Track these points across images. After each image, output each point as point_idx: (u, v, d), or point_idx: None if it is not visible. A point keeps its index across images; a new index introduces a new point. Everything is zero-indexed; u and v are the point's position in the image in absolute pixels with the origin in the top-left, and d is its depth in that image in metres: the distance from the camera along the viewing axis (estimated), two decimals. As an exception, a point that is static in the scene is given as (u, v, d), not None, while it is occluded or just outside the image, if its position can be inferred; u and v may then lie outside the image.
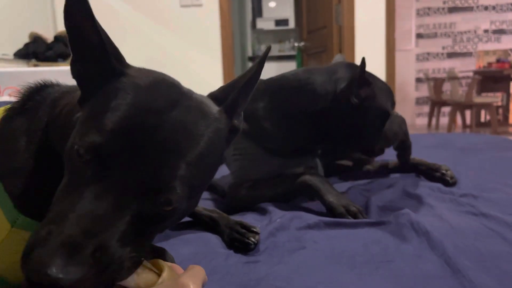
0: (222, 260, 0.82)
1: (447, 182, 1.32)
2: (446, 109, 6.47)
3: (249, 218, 1.05)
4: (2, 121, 0.66)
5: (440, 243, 0.83)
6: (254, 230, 0.91)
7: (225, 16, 4.13)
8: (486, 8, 6.96)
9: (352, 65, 1.22)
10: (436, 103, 6.27)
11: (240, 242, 0.88)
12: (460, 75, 6.32)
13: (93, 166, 0.47)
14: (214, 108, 0.58)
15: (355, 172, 1.56)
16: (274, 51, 8.00)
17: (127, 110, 0.49)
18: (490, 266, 0.75)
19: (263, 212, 1.11)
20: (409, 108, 6.87)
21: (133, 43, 4.05)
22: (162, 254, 0.71)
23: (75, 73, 0.56)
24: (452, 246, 0.81)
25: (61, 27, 4.04)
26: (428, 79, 6.43)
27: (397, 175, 1.49)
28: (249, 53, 7.97)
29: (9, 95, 2.49)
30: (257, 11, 7.89)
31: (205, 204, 1.22)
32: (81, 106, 0.55)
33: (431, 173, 1.38)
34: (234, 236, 0.90)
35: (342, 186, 1.38)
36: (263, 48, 8.02)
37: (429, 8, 7.05)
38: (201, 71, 4.16)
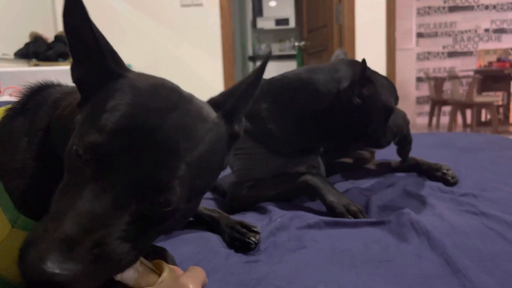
0: (223, 259, 0.82)
1: (448, 181, 1.32)
2: (446, 109, 6.47)
3: (249, 218, 1.05)
4: (3, 121, 0.66)
5: (440, 243, 0.83)
6: (255, 229, 0.91)
7: (226, 16, 4.13)
8: (486, 7, 6.95)
9: (353, 62, 1.23)
10: (436, 102, 6.27)
11: (241, 242, 0.88)
12: (461, 74, 6.32)
13: (92, 166, 0.47)
14: (213, 113, 0.58)
15: (356, 171, 1.56)
16: (275, 51, 8.00)
17: (126, 110, 0.49)
18: (490, 266, 0.75)
19: (263, 211, 1.11)
20: (409, 107, 6.86)
21: (134, 43, 4.05)
22: (162, 254, 0.71)
23: (75, 77, 0.57)
24: (452, 246, 0.81)
25: (61, 27, 4.01)
26: (428, 78, 6.42)
27: (397, 174, 1.49)
28: (250, 52, 7.97)
29: (10, 94, 2.49)
30: (258, 11, 7.88)
31: (206, 203, 1.22)
32: (80, 109, 0.55)
33: (432, 172, 1.38)
34: (235, 236, 0.90)
35: (343, 185, 1.38)
36: (263, 47, 8.03)
37: (429, 7, 7.05)
38: (201, 70, 4.17)
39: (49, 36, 3.76)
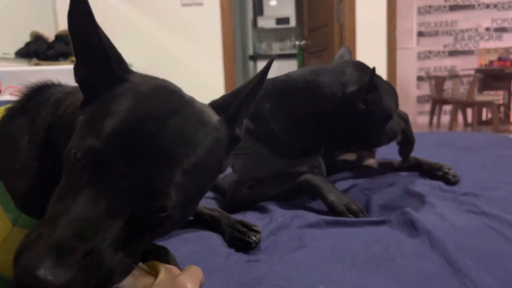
0: (223, 259, 0.82)
1: (450, 181, 1.31)
2: (447, 108, 6.46)
3: (250, 217, 1.05)
4: (3, 121, 0.66)
5: (441, 242, 0.83)
6: (255, 228, 0.91)
7: (226, 15, 4.13)
8: (487, 6, 6.94)
9: (359, 65, 1.22)
10: (437, 101, 6.26)
11: (241, 241, 0.88)
12: (462, 73, 6.31)
13: (89, 170, 0.47)
14: (215, 117, 0.58)
15: (356, 170, 1.56)
16: (275, 50, 7.99)
17: (126, 116, 0.49)
18: (491, 265, 0.75)
19: (264, 211, 1.11)
20: (410, 106, 6.86)
21: (134, 42, 4.05)
22: (164, 254, 0.71)
23: (78, 77, 0.57)
24: (453, 245, 0.81)
25: (62, 26, 4.04)
26: (429, 77, 6.42)
27: (398, 174, 1.48)
28: (250, 51, 7.96)
29: (11, 94, 2.49)
30: (258, 10, 7.87)
31: (206, 203, 1.22)
32: (82, 110, 0.55)
33: (433, 172, 1.38)
34: (235, 235, 0.90)
35: (344, 184, 1.38)
36: (264, 46, 8.02)
37: (430, 6, 7.04)
38: (202, 69, 4.17)
39: (50, 36, 3.76)
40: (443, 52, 7.16)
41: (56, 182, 0.51)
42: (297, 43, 7.20)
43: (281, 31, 7.94)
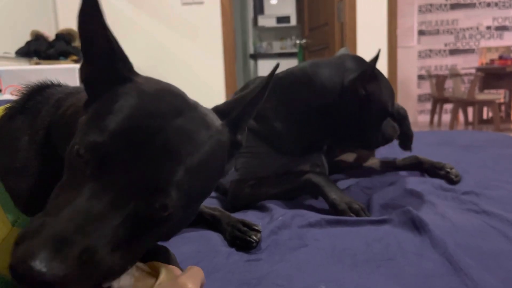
0: (224, 258, 0.82)
1: (452, 180, 1.31)
2: (448, 106, 6.46)
3: (250, 216, 1.05)
4: (2, 120, 0.66)
5: (442, 241, 0.82)
6: (256, 228, 0.91)
7: (227, 14, 4.13)
8: (488, 4, 6.93)
9: (357, 58, 1.22)
10: (438, 100, 6.25)
11: (242, 240, 0.88)
12: (463, 72, 6.30)
13: (92, 166, 0.47)
14: (218, 121, 0.58)
15: (358, 169, 1.55)
16: (276, 49, 7.98)
17: (130, 113, 0.50)
18: (492, 265, 0.74)
19: (264, 210, 1.11)
20: (411, 105, 6.85)
21: (135, 41, 4.05)
22: (165, 254, 0.71)
23: (83, 77, 0.57)
24: (454, 244, 0.81)
25: (62, 25, 4.04)
26: (430, 76, 6.41)
27: (399, 173, 1.48)
28: (251, 50, 7.96)
29: (11, 93, 2.49)
30: (259, 8, 7.86)
31: (207, 202, 1.22)
32: (85, 110, 0.55)
33: (435, 171, 1.38)
34: (236, 234, 0.90)
35: (345, 183, 1.38)
36: (264, 45, 8.01)
37: (431, 5, 7.03)
38: (202, 68, 4.17)
39: (50, 35, 3.76)
40: (444, 50, 7.15)
41: (56, 183, 0.51)
42: (297, 42, 7.18)
43: (281, 30, 7.94)
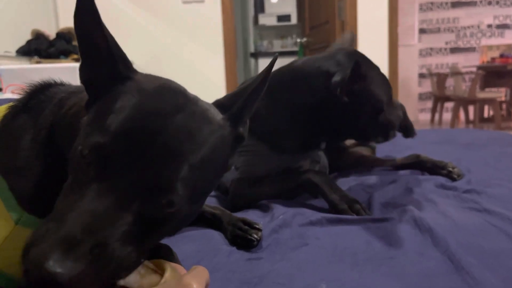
0: (225, 257, 0.82)
1: (454, 180, 1.31)
2: (449, 105, 6.45)
3: (251, 215, 1.05)
4: (5, 119, 0.66)
5: (443, 240, 0.82)
6: (257, 226, 0.91)
7: (227, 12, 4.12)
8: (489, 2, 6.92)
9: (353, 54, 1.20)
10: (439, 98, 6.25)
11: (243, 239, 0.88)
12: (464, 70, 6.29)
13: (96, 167, 0.47)
14: (219, 115, 0.58)
15: (358, 168, 1.55)
16: (276, 47, 7.98)
17: (132, 112, 0.50)
18: (494, 263, 0.74)
19: (265, 208, 1.10)
20: (412, 103, 6.84)
21: (135, 40, 4.05)
22: (167, 252, 0.71)
23: (83, 77, 0.57)
24: (455, 243, 0.81)
25: (63, 24, 4.04)
26: (431, 74, 6.40)
27: (400, 171, 1.48)
28: (251, 49, 7.95)
29: (12, 92, 2.49)
30: (259, 7, 7.86)
31: (208, 200, 1.22)
32: (87, 110, 0.55)
33: (437, 170, 1.38)
34: (237, 233, 0.90)
35: (345, 182, 1.37)
36: (265, 44, 8.01)
37: (432, 3, 7.02)
38: (203, 67, 4.16)
39: (51, 34, 3.76)
40: (445, 49, 7.14)
41: (58, 181, 0.51)
42: (298, 40, 7.18)
43: (282, 28, 7.93)
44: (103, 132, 0.48)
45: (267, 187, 1.20)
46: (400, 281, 0.70)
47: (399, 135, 1.44)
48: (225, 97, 0.63)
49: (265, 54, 7.74)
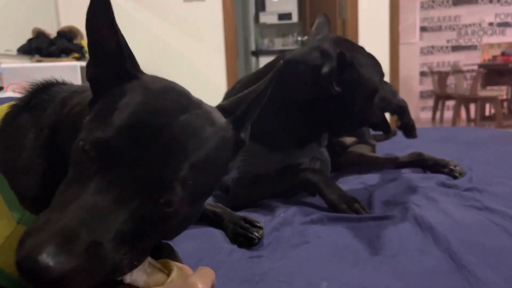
0: (226, 255, 0.82)
1: (456, 178, 1.30)
2: (450, 103, 6.44)
3: (252, 213, 1.05)
4: (6, 118, 0.66)
5: (444, 238, 0.82)
6: (258, 225, 0.91)
7: (228, 11, 4.12)
8: (490, 1, 6.90)
9: (338, 41, 1.19)
10: (440, 96, 6.24)
11: (244, 237, 0.88)
12: (465, 68, 6.28)
13: (97, 162, 0.47)
14: (222, 118, 0.58)
15: (359, 166, 1.55)
16: (277, 45, 7.96)
17: (136, 109, 0.50)
18: (495, 261, 0.74)
19: (266, 207, 1.10)
20: (413, 102, 6.83)
21: (136, 38, 4.04)
22: (168, 251, 0.71)
23: (90, 75, 0.57)
24: (456, 241, 0.81)
25: (64, 23, 4.04)
26: (432, 72, 6.39)
27: (401, 169, 1.48)
28: (252, 47, 7.94)
29: (13, 90, 2.49)
30: (260, 5, 7.84)
31: (209, 199, 1.22)
32: (91, 108, 0.55)
33: (438, 168, 1.37)
34: (238, 231, 0.90)
35: (346, 180, 1.37)
36: (266, 42, 8.00)
37: (433, 1, 7.00)
38: (204, 65, 4.16)
39: (52, 32, 3.76)
40: (446, 47, 7.13)
41: (60, 181, 0.51)
42: (299, 38, 7.18)
43: (283, 26, 7.91)
44: (106, 127, 0.48)
45: (266, 187, 1.20)
46: (401, 279, 0.70)
47: (400, 134, 1.44)
48: (228, 101, 0.63)
49: (266, 53, 7.72)
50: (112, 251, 0.44)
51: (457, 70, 5.70)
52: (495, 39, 6.87)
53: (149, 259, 0.53)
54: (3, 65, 2.92)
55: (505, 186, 1.18)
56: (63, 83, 0.73)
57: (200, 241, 0.88)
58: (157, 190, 0.47)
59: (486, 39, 6.94)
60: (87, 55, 3.39)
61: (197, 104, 0.56)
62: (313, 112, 1.18)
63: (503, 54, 6.13)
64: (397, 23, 4.08)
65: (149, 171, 0.47)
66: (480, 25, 6.99)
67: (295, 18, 7.71)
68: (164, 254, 0.66)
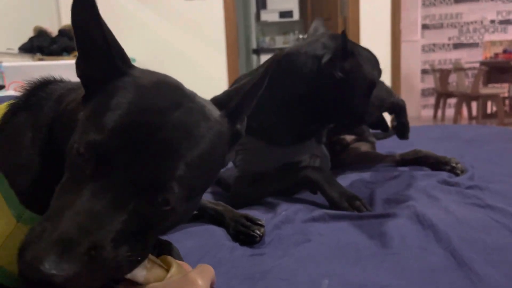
0: (228, 252, 0.82)
1: (457, 175, 1.30)
2: (452, 101, 6.43)
3: (254, 211, 1.05)
4: (5, 117, 0.66)
5: (446, 236, 0.82)
6: (259, 222, 0.91)
7: (229, 9, 4.12)
8: (492, -2, 6.88)
9: (335, 36, 1.20)
10: (442, 94, 6.23)
11: (245, 235, 0.88)
12: (466, 66, 6.26)
13: (92, 164, 0.47)
14: (216, 112, 0.57)
15: (360, 164, 1.55)
16: (279, 43, 7.95)
17: (128, 109, 0.49)
18: (496, 259, 0.74)
19: (268, 205, 1.11)
20: (414, 99, 6.82)
21: (137, 36, 4.05)
22: (168, 248, 0.71)
23: (79, 72, 0.56)
24: (458, 239, 0.81)
25: (65, 21, 4.04)
26: (434, 70, 6.38)
27: (403, 168, 1.47)
28: (254, 45, 7.93)
29: (15, 89, 2.50)
30: (261, 3, 7.83)
31: (209, 197, 1.22)
32: (83, 105, 0.55)
33: (440, 166, 1.37)
34: (239, 229, 0.90)
35: (346, 178, 1.37)
36: (267, 40, 7.99)
37: (435, -1, 6.99)
38: (205, 64, 4.16)
39: (53, 31, 3.77)
40: (448, 44, 7.11)
41: (60, 179, 0.51)
42: (300, 36, 7.16)
43: (284, 24, 7.90)
44: (99, 129, 0.48)
45: (267, 185, 1.20)
46: (402, 277, 0.71)
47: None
48: (223, 93, 0.63)
49: (267, 51, 7.71)
50: (112, 252, 0.45)
51: (458, 68, 5.69)
52: (497, 37, 6.85)
53: (149, 255, 0.53)
54: (4, 64, 2.92)
55: (507, 184, 1.18)
56: (61, 81, 0.73)
57: (202, 239, 0.89)
58: (154, 190, 0.47)
59: (488, 37, 6.92)
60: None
61: (191, 98, 0.55)
62: (313, 105, 1.17)
63: (504, 51, 6.11)
64: (399, 20, 4.07)
65: (144, 173, 0.47)
66: (481, 22, 6.97)
67: (296, 16, 7.69)
68: (164, 252, 0.66)
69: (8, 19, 3.46)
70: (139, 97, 0.51)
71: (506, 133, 2.02)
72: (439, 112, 6.42)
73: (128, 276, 0.49)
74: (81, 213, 0.44)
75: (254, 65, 7.78)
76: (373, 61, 1.21)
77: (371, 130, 1.69)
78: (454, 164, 1.34)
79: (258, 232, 0.88)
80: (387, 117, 1.39)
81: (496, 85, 6.17)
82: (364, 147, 1.61)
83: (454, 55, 7.07)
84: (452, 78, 6.22)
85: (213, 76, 4.15)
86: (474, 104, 5.78)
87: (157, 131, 0.48)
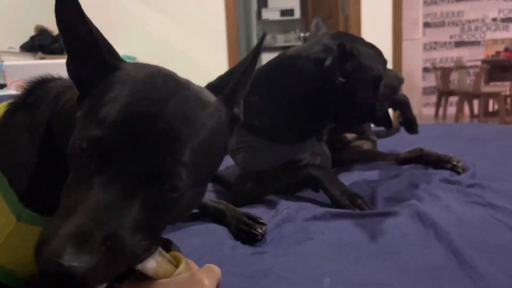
0: (229, 251, 0.83)
1: (459, 173, 1.30)
2: (453, 99, 6.41)
3: (255, 210, 1.05)
4: (5, 116, 0.66)
5: (447, 234, 0.82)
6: (261, 221, 0.91)
7: (230, 7, 4.11)
8: (494, -4, 6.86)
9: (337, 35, 1.20)
10: (443, 93, 6.21)
11: (247, 233, 0.88)
12: (468, 64, 6.25)
13: (96, 159, 0.47)
14: (212, 97, 0.58)
15: (362, 162, 1.55)
16: (280, 42, 7.95)
17: (125, 101, 0.50)
18: (497, 257, 0.74)
19: (269, 203, 1.11)
20: (416, 98, 6.81)
21: (138, 35, 4.05)
22: (167, 245, 0.72)
23: (71, 73, 0.57)
24: (459, 237, 0.81)
25: (66, 20, 4.04)
26: (435, 68, 6.36)
27: (404, 165, 1.47)
28: (255, 43, 7.92)
29: (16, 88, 2.50)
30: (262, 1, 7.82)
31: (210, 196, 1.22)
32: (79, 105, 0.55)
33: (441, 164, 1.37)
34: (241, 227, 0.90)
35: (348, 176, 1.37)
36: (268, 38, 7.98)
37: (436, -3, 6.97)
38: (206, 62, 4.16)
39: (54, 29, 3.76)
40: (450, 43, 7.09)
41: (59, 177, 0.51)
42: (301, 35, 7.16)
43: (285, 23, 7.89)
44: (99, 124, 0.48)
45: (269, 183, 1.20)
46: (403, 275, 0.71)
47: (402, 130, 1.44)
48: (217, 79, 0.63)
49: (268, 49, 7.70)
50: (128, 240, 0.45)
51: (460, 66, 5.68)
52: (498, 35, 6.84)
53: (160, 249, 0.54)
54: (6, 63, 2.93)
55: (508, 182, 1.18)
56: (59, 78, 0.73)
57: (203, 237, 0.89)
58: (161, 178, 0.48)
59: (490, 35, 6.91)
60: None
61: (186, 86, 0.55)
62: (316, 105, 1.17)
63: (506, 50, 6.10)
64: (400, 19, 4.07)
65: (149, 162, 0.47)
66: (483, 20, 6.95)
67: (297, 14, 7.69)
68: (165, 250, 0.67)
69: (9, 18, 3.46)
70: (134, 89, 0.51)
71: (508, 132, 2.02)
72: (441, 111, 6.41)
73: (139, 266, 0.49)
74: (93, 206, 0.45)
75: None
76: (375, 55, 1.20)
77: (373, 128, 1.69)
78: (455, 163, 1.34)
79: (259, 230, 0.88)
80: (390, 112, 1.39)
81: (497, 83, 6.16)
82: (365, 145, 1.61)
83: (455, 53, 7.06)
84: (454, 76, 6.21)
85: (214, 74, 4.04)
86: (475, 103, 5.77)
87: (157, 120, 0.48)
